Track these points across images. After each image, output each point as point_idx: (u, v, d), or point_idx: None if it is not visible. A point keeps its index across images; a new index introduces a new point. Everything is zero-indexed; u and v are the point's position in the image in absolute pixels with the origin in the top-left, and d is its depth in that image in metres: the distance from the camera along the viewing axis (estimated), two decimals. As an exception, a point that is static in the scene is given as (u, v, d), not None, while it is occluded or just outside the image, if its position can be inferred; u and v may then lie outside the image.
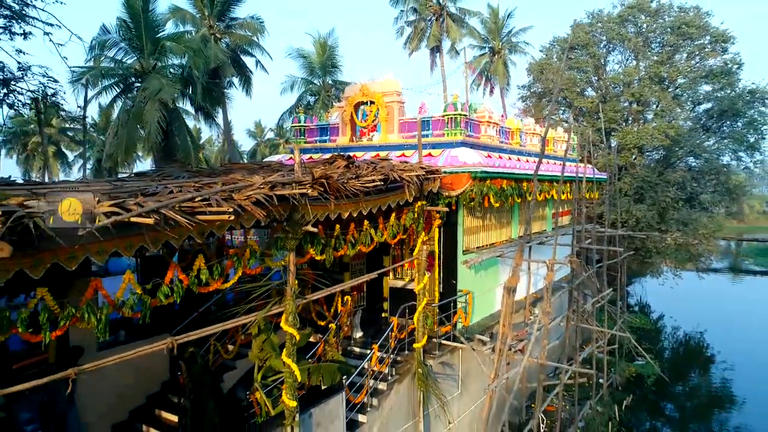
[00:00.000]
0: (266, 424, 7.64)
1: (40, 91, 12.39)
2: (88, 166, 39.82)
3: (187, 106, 26.24)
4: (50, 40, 10.62)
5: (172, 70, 23.67)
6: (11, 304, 6.82)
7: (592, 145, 21.74)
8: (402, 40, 37.17)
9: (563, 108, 30.25)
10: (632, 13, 27.81)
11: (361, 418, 9.39)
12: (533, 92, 32.10)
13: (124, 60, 22.69)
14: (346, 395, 8.80)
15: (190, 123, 28.31)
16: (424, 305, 10.59)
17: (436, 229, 11.67)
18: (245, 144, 60.68)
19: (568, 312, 14.18)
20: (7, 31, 11.12)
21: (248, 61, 29.28)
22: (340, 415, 8.59)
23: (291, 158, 13.96)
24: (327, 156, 11.11)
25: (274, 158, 16.83)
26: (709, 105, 27.75)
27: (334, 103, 23.42)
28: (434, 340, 11.37)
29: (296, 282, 7.41)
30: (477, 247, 13.28)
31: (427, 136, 12.96)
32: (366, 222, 9.01)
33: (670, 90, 27.06)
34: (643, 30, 27.90)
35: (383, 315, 13.11)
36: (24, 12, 11.06)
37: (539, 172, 11.74)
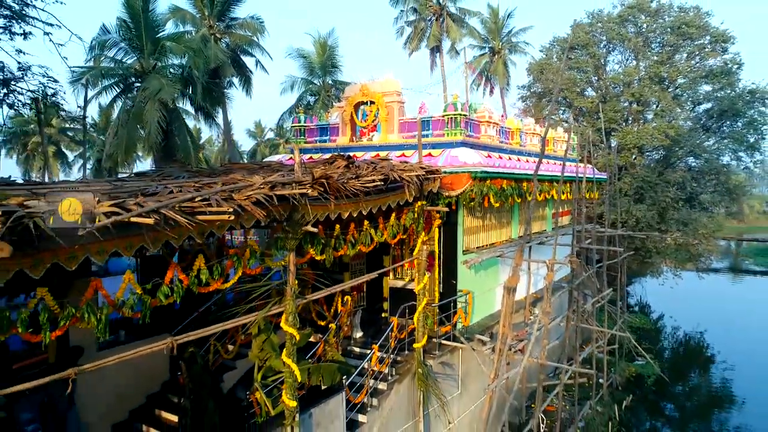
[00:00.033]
0: (266, 424, 7.65)
1: (40, 91, 12.39)
2: (88, 166, 39.83)
3: (187, 106, 26.27)
4: (50, 40, 10.64)
5: (172, 70, 23.68)
6: (11, 304, 6.81)
7: (592, 145, 21.74)
8: (402, 40, 37.23)
9: (563, 108, 30.26)
10: (632, 13, 27.82)
11: (361, 418, 9.39)
12: (533, 92, 32.10)
13: (124, 60, 22.70)
14: (346, 395, 8.80)
15: (190, 123, 28.35)
16: (424, 305, 10.59)
17: (436, 229, 11.68)
18: (245, 144, 60.76)
19: (568, 312, 14.19)
20: (7, 31, 11.13)
21: (248, 61, 29.33)
22: (340, 415, 8.59)
23: (291, 158, 13.96)
24: (327, 156, 11.11)
25: (274, 158, 16.84)
26: (709, 105, 27.77)
27: (334, 103, 23.42)
28: (434, 340, 11.37)
29: (296, 282, 7.41)
30: (477, 247, 13.29)
31: (427, 136, 12.97)
32: (366, 222, 9.01)
33: (670, 90, 27.07)
34: (643, 30, 27.90)
35: (383, 315, 13.11)
36: (24, 12, 11.06)
37: (539, 172, 11.75)
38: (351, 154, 11.35)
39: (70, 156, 49.13)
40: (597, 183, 20.69)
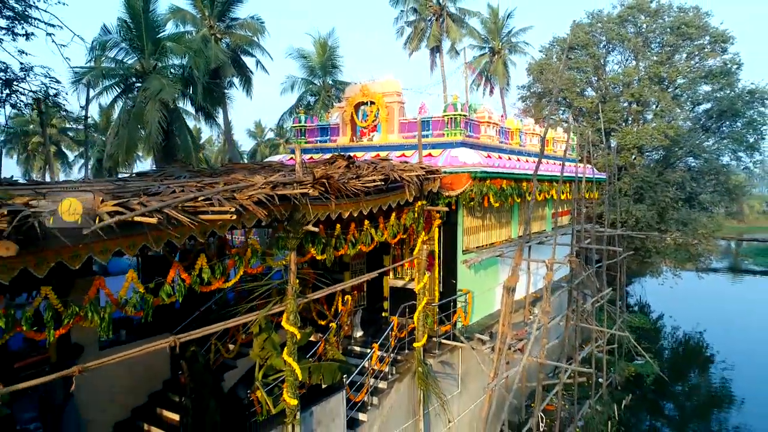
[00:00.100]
0: (267, 422, 7.68)
1: (42, 92, 12.44)
2: (89, 166, 39.86)
3: (188, 106, 26.31)
4: (53, 41, 10.69)
5: (172, 70, 23.72)
6: (12, 303, 6.86)
7: (591, 145, 21.79)
8: (402, 41, 37.25)
9: (563, 108, 30.29)
10: (632, 14, 27.86)
11: (361, 416, 9.44)
12: (533, 92, 32.15)
13: (124, 60, 22.74)
14: (346, 394, 8.84)
15: (191, 123, 28.37)
16: (424, 305, 10.63)
17: (436, 229, 11.72)
18: (245, 144, 60.74)
19: (568, 311, 14.23)
20: (9, 32, 11.17)
21: (249, 61, 29.36)
22: (340, 413, 8.64)
23: (292, 158, 14.01)
24: (327, 156, 11.15)
25: (275, 158, 16.88)
26: (708, 105, 27.81)
27: (334, 104, 23.47)
28: (434, 339, 11.42)
29: (297, 281, 7.45)
30: (477, 247, 13.33)
31: (427, 136, 13.01)
32: (366, 222, 9.05)
33: (669, 90, 27.11)
34: (643, 30, 27.95)
35: (383, 314, 13.16)
36: (27, 13, 11.11)
37: (539, 172, 11.80)
38: (351, 154, 11.39)
39: (71, 156, 49.18)
40: (596, 183, 20.73)
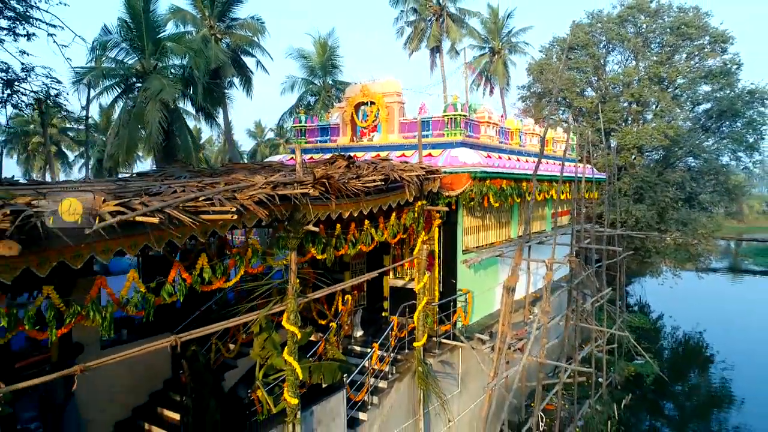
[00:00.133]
0: (268, 421, 7.71)
1: (44, 92, 12.47)
2: (89, 165, 39.91)
3: (188, 106, 26.35)
4: (54, 41, 10.71)
5: (173, 70, 23.76)
6: (14, 303, 6.88)
7: (591, 145, 21.81)
8: (402, 41, 37.29)
9: (563, 108, 30.32)
10: (632, 14, 27.89)
11: (361, 415, 9.46)
12: (533, 92, 32.17)
13: (125, 60, 22.78)
14: (346, 393, 8.86)
15: (191, 123, 28.40)
16: (424, 304, 10.65)
17: (436, 229, 11.74)
18: (245, 144, 60.80)
19: (568, 311, 14.25)
20: (11, 33, 11.19)
21: (249, 61, 29.38)
22: (341, 412, 8.67)
23: (292, 158, 14.03)
24: (327, 156, 11.18)
25: (275, 158, 16.90)
26: (708, 105, 27.84)
27: (334, 104, 23.49)
28: (434, 338, 11.44)
29: (297, 281, 7.48)
30: (477, 247, 13.36)
31: (427, 136, 13.04)
32: (366, 221, 9.08)
33: (669, 90, 27.14)
34: (643, 30, 27.97)
35: (383, 314, 13.18)
36: (28, 14, 11.13)
37: (538, 172, 11.82)
38: (351, 154, 11.41)
39: (71, 156, 49.22)
40: (596, 183, 20.76)
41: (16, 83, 11.96)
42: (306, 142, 15.59)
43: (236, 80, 29.04)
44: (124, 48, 22.41)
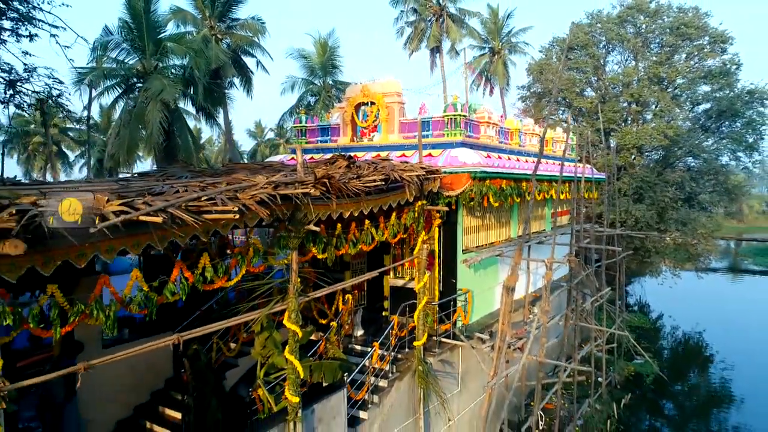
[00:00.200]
0: (269, 420, 7.76)
1: (45, 92, 12.52)
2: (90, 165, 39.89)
3: (189, 106, 26.41)
4: (57, 42, 10.76)
5: (173, 70, 23.81)
6: (17, 302, 6.93)
7: (591, 145, 21.85)
8: (402, 41, 37.36)
9: (562, 108, 30.36)
10: (631, 14, 27.92)
11: (362, 414, 9.51)
12: (533, 92, 32.20)
13: (126, 61, 22.83)
14: (347, 392, 8.91)
15: (191, 123, 28.47)
16: (424, 304, 10.70)
17: (436, 229, 11.78)
18: (246, 144, 60.86)
19: (567, 311, 14.29)
20: (14, 34, 11.25)
21: (249, 61, 29.46)
22: (341, 411, 8.72)
23: (292, 158, 14.08)
24: (328, 156, 11.22)
25: (276, 158, 16.95)
26: (707, 105, 27.86)
27: (334, 104, 23.55)
28: (434, 338, 11.49)
29: (298, 280, 7.52)
30: (476, 247, 13.40)
31: (427, 136, 13.08)
32: (367, 221, 9.12)
33: (669, 90, 27.17)
34: (642, 30, 28.00)
35: (384, 313, 13.22)
36: (31, 14, 11.18)
37: (538, 172, 11.87)
38: (352, 154, 11.45)
39: (71, 156, 49.26)
40: (596, 183, 20.80)
41: (18, 83, 12.02)
42: (306, 142, 15.63)
43: (236, 80, 29.11)
44: (125, 48, 22.48)
